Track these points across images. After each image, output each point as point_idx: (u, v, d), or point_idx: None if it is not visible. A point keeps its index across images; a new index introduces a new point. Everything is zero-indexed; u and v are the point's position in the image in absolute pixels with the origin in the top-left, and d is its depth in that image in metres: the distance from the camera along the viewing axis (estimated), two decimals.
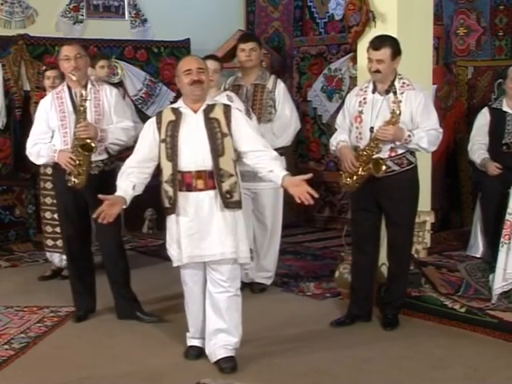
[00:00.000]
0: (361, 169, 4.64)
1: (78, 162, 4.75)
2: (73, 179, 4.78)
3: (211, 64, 5.29)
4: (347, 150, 4.74)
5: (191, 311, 4.35)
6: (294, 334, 4.77)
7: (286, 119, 5.54)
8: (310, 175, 4.11)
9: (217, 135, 4.11)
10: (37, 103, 6.14)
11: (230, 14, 8.91)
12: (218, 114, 4.16)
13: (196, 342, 4.39)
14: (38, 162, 5.06)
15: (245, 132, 4.18)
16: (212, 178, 4.09)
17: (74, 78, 4.81)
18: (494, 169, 5.48)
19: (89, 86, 4.87)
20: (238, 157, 4.22)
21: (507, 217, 4.78)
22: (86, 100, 4.78)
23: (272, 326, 4.89)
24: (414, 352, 4.45)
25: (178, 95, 5.57)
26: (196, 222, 4.11)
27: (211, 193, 4.11)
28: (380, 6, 5.37)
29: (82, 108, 4.78)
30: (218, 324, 4.20)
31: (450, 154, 6.87)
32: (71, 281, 5.17)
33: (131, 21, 8.31)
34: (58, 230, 6.01)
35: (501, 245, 4.78)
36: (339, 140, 4.81)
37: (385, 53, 4.61)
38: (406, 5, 5.35)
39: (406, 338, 4.70)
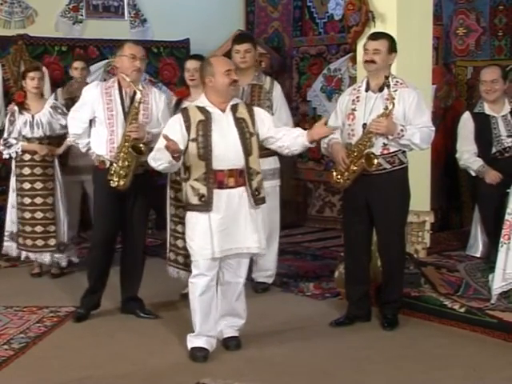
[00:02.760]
0: (352, 164, 4.64)
1: (126, 163, 4.74)
2: (119, 180, 4.75)
3: (191, 64, 5.36)
4: (339, 146, 4.76)
5: (202, 305, 4.33)
6: (294, 334, 4.77)
7: (284, 122, 5.56)
8: (325, 119, 4.48)
9: (246, 135, 4.31)
10: (20, 104, 6.12)
11: (230, 14, 8.91)
12: (243, 113, 4.35)
13: (201, 343, 4.36)
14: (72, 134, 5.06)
15: (268, 123, 4.43)
16: (241, 176, 4.29)
17: (127, 79, 4.78)
18: (495, 177, 5.36)
19: (137, 88, 4.79)
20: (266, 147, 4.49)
21: (507, 217, 4.77)
22: (140, 103, 4.78)
23: (272, 326, 4.89)
24: (414, 352, 4.46)
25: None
26: (227, 218, 4.26)
27: (240, 190, 4.30)
28: (379, 6, 5.38)
29: (135, 110, 4.77)
30: (229, 309, 4.49)
31: (450, 154, 6.86)
32: (91, 280, 5.08)
33: (131, 21, 8.32)
34: (49, 229, 6.07)
35: (500, 245, 4.78)
36: (330, 137, 4.80)
37: (382, 44, 4.66)
38: (405, 5, 5.35)
39: (406, 337, 4.70)
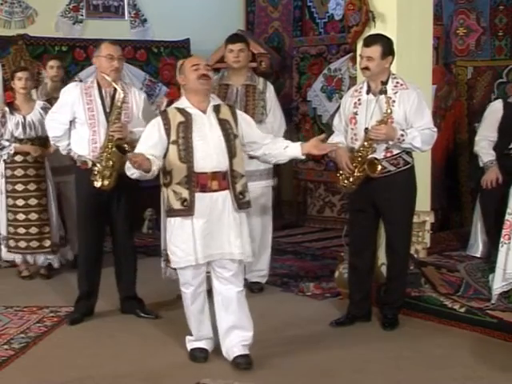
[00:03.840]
0: (356, 170, 4.64)
1: (111, 162, 4.71)
2: (103, 181, 4.73)
3: None
4: (342, 151, 4.74)
5: (195, 313, 4.29)
6: (294, 334, 4.77)
7: (278, 121, 5.57)
8: (323, 135, 4.35)
9: (230, 136, 4.18)
10: (10, 104, 6.10)
11: (230, 14, 8.92)
12: (226, 115, 4.23)
13: (201, 344, 4.35)
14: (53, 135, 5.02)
15: (253, 127, 4.35)
16: (225, 179, 4.14)
17: (109, 79, 4.78)
18: (491, 180, 5.35)
19: (119, 87, 4.80)
20: (248, 155, 4.36)
21: (507, 217, 4.77)
22: (123, 102, 4.77)
23: (272, 326, 4.89)
24: (414, 352, 4.45)
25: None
26: (210, 222, 4.13)
27: (224, 193, 4.15)
28: (380, 5, 5.37)
29: (118, 110, 4.76)
30: (230, 321, 4.26)
31: (450, 154, 6.87)
32: (82, 283, 5.10)
33: (131, 21, 8.33)
34: (44, 230, 6.08)
35: (500, 245, 4.78)
36: (335, 142, 4.81)
37: (375, 50, 4.61)
38: (405, 5, 5.34)
39: (406, 337, 4.70)
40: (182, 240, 4.15)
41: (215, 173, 4.11)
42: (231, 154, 4.15)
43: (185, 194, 4.11)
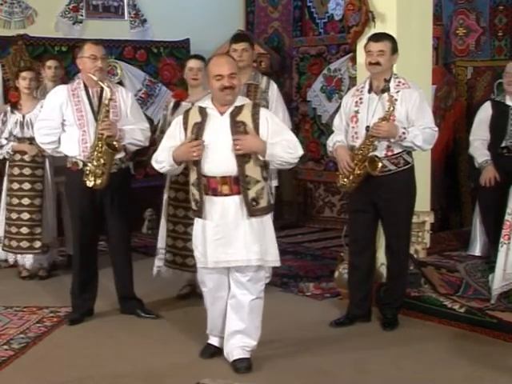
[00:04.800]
0: (357, 168, 4.64)
1: (102, 161, 4.71)
2: (95, 180, 4.72)
3: (195, 63, 5.37)
4: (343, 150, 4.75)
5: (210, 311, 4.30)
6: (294, 335, 4.76)
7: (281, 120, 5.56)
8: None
9: None
10: (14, 104, 6.11)
11: (230, 14, 8.92)
12: (245, 116, 4.05)
13: (213, 341, 4.36)
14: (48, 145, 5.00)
15: (269, 133, 4.05)
16: (238, 184, 4.01)
17: (95, 79, 4.78)
18: (488, 180, 5.38)
19: (106, 86, 4.79)
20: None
21: (507, 217, 4.77)
22: (111, 99, 4.76)
23: (271, 327, 4.86)
24: (414, 352, 4.45)
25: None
26: (222, 227, 4.05)
27: (237, 198, 4.03)
28: (379, 6, 5.37)
29: (106, 108, 4.76)
30: (237, 325, 4.20)
31: (450, 154, 6.88)
32: (75, 283, 5.09)
33: (131, 21, 8.32)
34: (35, 231, 6.03)
35: (500, 245, 4.78)
36: (335, 141, 4.82)
37: (386, 45, 4.65)
38: (405, 5, 5.35)
39: (406, 338, 4.70)
40: (199, 241, 4.15)
41: (224, 177, 4.00)
42: (243, 158, 3.99)
43: (197, 195, 4.11)
